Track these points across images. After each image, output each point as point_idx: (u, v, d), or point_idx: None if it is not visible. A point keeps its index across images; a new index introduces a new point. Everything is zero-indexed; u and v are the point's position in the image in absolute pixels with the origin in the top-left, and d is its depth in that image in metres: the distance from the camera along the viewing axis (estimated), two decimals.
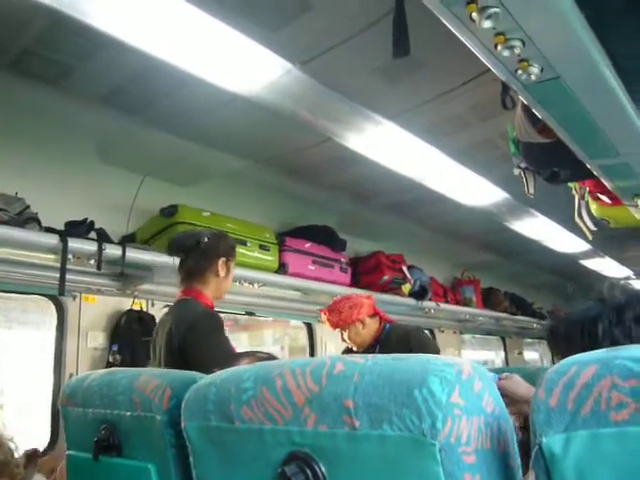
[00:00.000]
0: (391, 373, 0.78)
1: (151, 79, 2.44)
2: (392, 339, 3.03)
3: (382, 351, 2.99)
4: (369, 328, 3.05)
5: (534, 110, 1.56)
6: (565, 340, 1.32)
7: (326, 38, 2.17)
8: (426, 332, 3.26)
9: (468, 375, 0.76)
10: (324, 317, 3.12)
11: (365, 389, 0.78)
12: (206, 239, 2.29)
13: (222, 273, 2.27)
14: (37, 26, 2.13)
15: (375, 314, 3.10)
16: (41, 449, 2.91)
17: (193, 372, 1.22)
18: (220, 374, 1.02)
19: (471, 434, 0.73)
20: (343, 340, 3.12)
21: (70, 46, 2.26)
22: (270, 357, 1.37)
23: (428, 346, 3.05)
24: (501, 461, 0.78)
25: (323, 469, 0.83)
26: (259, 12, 2.00)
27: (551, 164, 2.08)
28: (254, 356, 1.44)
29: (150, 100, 2.64)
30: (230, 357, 1.94)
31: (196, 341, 2.03)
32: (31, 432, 3.09)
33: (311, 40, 2.18)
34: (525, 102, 1.55)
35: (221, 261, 2.28)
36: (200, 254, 2.27)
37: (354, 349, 3.10)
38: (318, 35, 2.16)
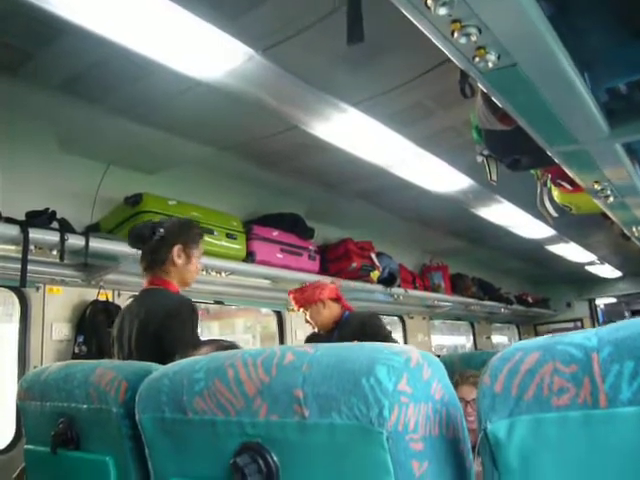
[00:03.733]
0: (339, 362, 0.78)
1: (112, 66, 2.38)
2: (350, 324, 3.21)
3: (340, 335, 3.18)
4: (330, 310, 3.26)
5: (493, 98, 1.56)
6: None
7: (288, 25, 2.14)
8: (381, 318, 3.50)
9: (417, 363, 0.77)
10: (291, 297, 3.35)
11: (314, 379, 0.78)
12: (161, 229, 2.27)
13: (179, 260, 2.24)
14: None
15: (337, 299, 3.32)
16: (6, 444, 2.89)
17: (149, 363, 1.21)
18: (173, 366, 1.01)
19: (419, 421, 0.74)
20: (307, 321, 3.32)
21: (27, 32, 2.19)
22: (231, 346, 1.37)
23: (380, 331, 3.23)
24: (450, 447, 0.78)
25: (275, 459, 0.83)
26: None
27: (512, 151, 2.10)
28: (215, 344, 1.43)
29: (111, 87, 2.59)
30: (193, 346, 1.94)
31: (174, 329, 2.01)
32: None
33: (273, 27, 2.15)
34: (484, 90, 1.55)
35: (177, 248, 2.24)
36: (157, 243, 2.25)
37: (316, 330, 3.30)
38: (280, 22, 2.14)
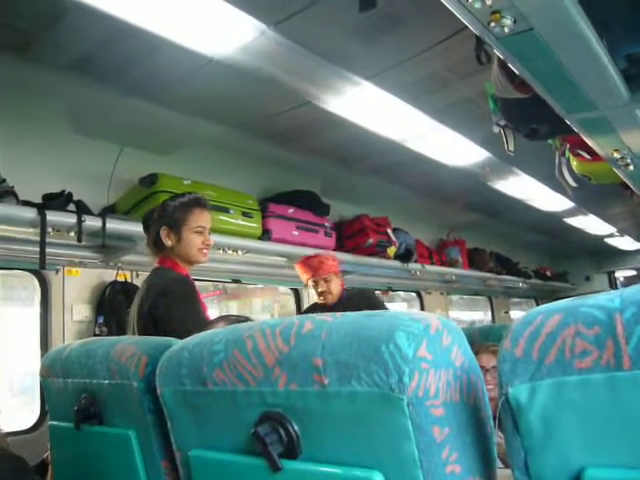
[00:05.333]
0: (358, 330, 0.77)
1: (121, 45, 2.38)
2: (353, 299, 3.26)
3: (345, 308, 3.15)
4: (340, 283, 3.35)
5: (509, 64, 1.53)
6: None
7: None
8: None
9: (436, 329, 0.76)
10: (302, 266, 3.33)
11: (333, 347, 0.78)
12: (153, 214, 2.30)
13: (169, 242, 2.22)
14: None
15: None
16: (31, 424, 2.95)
17: (168, 338, 1.22)
18: (192, 339, 1.01)
19: (439, 387, 0.74)
20: (321, 293, 3.28)
21: (34, 12, 2.18)
22: (244, 319, 1.37)
23: (384, 307, 3.34)
24: (471, 413, 0.78)
25: (296, 428, 0.83)
26: None
27: (529, 120, 2.06)
28: (227, 319, 1.44)
29: (122, 67, 2.57)
30: (202, 323, 1.95)
31: (166, 307, 2.02)
32: (21, 409, 3.11)
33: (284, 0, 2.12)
34: (500, 56, 1.52)
35: (163, 231, 2.23)
36: (151, 231, 2.28)
37: (326, 302, 3.28)
38: None
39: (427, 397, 0.73)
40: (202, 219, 2.29)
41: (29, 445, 2.59)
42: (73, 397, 1.34)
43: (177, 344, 1.05)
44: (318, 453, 0.82)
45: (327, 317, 0.84)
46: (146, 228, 2.35)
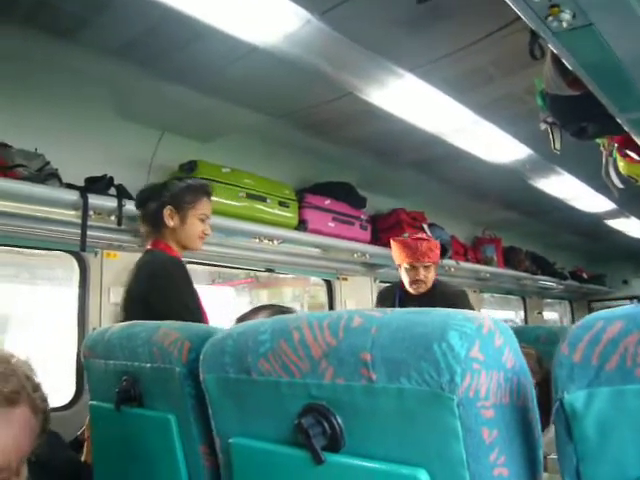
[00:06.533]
0: (410, 327, 0.76)
1: (166, 31, 2.39)
2: (443, 294, 3.05)
3: (429, 301, 2.94)
4: None
5: (563, 60, 1.49)
6: None
7: None
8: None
9: (489, 330, 0.75)
10: (402, 246, 3.06)
11: (383, 342, 0.77)
12: (153, 192, 2.27)
13: (171, 223, 2.20)
14: None
15: None
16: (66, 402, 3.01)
17: (211, 326, 1.23)
18: (237, 327, 1.02)
19: (490, 389, 0.72)
20: (416, 280, 3.02)
21: None
22: (289, 310, 1.37)
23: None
24: (520, 416, 0.76)
25: (340, 421, 0.83)
26: None
27: (579, 118, 2.01)
28: (271, 309, 1.44)
29: (166, 53, 2.59)
30: (198, 302, 1.94)
31: (157, 289, 1.99)
32: (57, 386, 3.18)
33: None
34: (555, 51, 1.48)
35: (167, 210, 2.21)
36: (151, 206, 2.25)
37: (417, 292, 3.06)
38: None
39: (478, 398, 0.71)
40: (208, 207, 2.31)
41: (65, 422, 2.65)
42: (114, 378, 1.36)
43: (221, 332, 1.05)
44: (362, 448, 0.81)
45: (376, 312, 0.83)
46: (141, 204, 2.31)
